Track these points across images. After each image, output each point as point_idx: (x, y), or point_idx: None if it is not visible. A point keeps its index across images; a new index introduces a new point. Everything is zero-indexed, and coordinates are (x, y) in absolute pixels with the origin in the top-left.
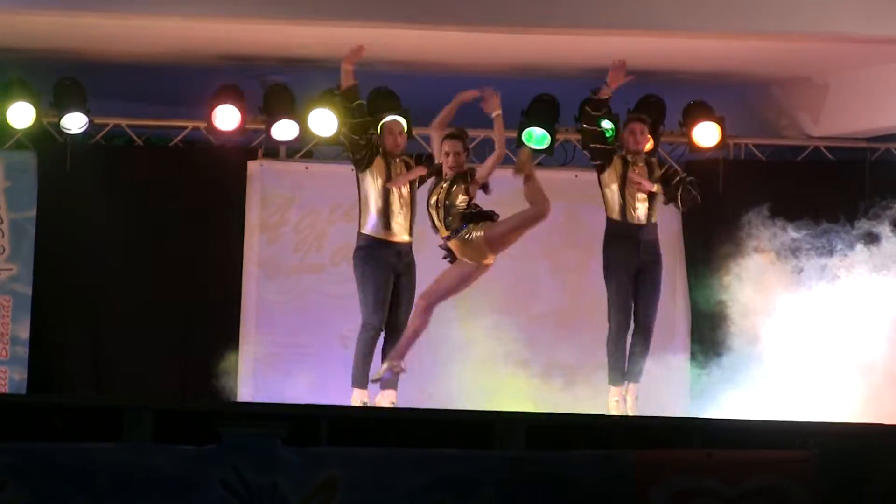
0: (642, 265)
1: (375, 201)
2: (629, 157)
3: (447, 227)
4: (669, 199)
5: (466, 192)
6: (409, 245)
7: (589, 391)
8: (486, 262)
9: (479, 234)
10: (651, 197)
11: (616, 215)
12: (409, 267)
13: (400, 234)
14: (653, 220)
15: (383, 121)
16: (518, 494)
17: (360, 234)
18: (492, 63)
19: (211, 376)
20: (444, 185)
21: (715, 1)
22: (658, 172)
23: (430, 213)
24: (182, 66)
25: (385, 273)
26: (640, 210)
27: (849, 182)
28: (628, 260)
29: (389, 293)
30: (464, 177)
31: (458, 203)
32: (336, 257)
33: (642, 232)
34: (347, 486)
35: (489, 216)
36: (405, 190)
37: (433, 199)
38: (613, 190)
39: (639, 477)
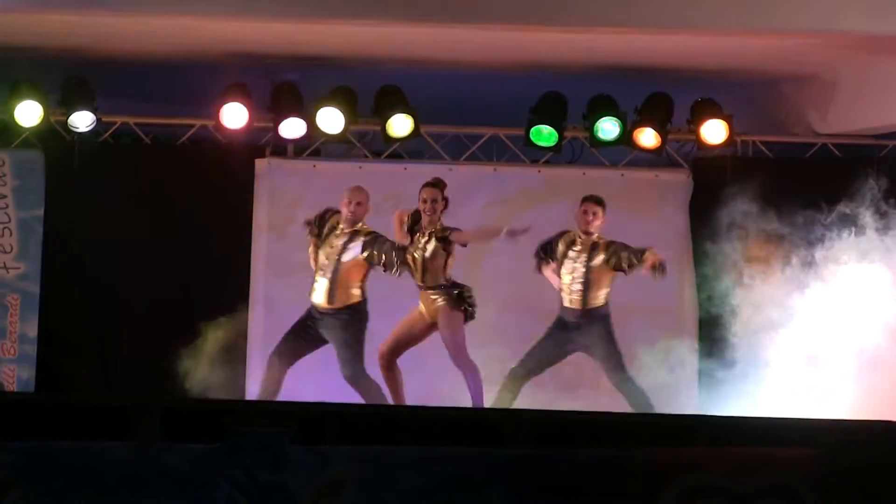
0: (580, 348)
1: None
2: (578, 237)
3: (423, 281)
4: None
5: (446, 256)
6: (332, 310)
7: (595, 390)
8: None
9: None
10: (589, 280)
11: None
12: (336, 328)
13: (320, 300)
14: (590, 305)
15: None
16: (526, 493)
17: None
18: (500, 60)
19: (219, 374)
20: (424, 244)
21: None
22: (600, 254)
23: (408, 263)
24: (190, 64)
25: (300, 331)
26: (575, 295)
27: (857, 180)
28: (555, 341)
29: (299, 348)
30: (444, 240)
31: (436, 265)
32: None
33: (579, 316)
34: (355, 484)
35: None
36: (330, 259)
37: (414, 254)
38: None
39: (647, 475)
